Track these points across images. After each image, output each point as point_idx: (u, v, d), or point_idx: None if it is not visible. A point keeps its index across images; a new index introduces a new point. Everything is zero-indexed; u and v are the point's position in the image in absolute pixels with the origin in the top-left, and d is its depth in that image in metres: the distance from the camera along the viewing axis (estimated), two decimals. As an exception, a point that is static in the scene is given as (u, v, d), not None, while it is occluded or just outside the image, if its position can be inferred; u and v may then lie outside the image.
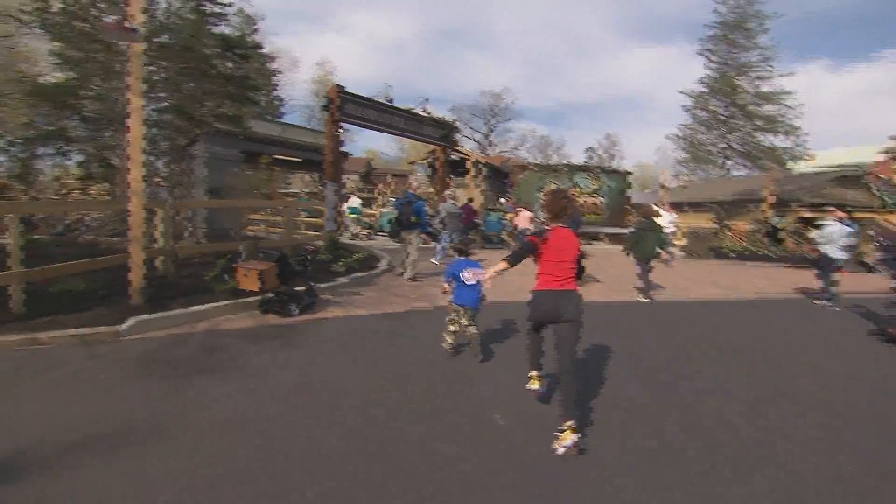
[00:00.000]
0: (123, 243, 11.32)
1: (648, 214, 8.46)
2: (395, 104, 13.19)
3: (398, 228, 8.20)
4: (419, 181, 8.46)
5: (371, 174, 51.68)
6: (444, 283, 4.71)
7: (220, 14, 22.29)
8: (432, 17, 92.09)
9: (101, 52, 15.27)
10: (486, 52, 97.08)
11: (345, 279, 7.68)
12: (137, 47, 5.56)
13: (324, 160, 12.04)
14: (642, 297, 7.94)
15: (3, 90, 18.74)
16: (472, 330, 4.57)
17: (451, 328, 4.59)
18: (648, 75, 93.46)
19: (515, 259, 3.35)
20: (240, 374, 3.98)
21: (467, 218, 14.24)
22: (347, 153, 21.33)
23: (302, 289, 6.31)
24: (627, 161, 62.38)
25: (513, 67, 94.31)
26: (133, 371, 3.97)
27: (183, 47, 16.65)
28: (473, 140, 58.76)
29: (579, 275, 3.40)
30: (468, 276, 4.59)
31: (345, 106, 11.80)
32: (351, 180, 46.63)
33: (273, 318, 5.69)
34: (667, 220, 13.52)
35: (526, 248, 3.41)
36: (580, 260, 3.38)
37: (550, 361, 3.58)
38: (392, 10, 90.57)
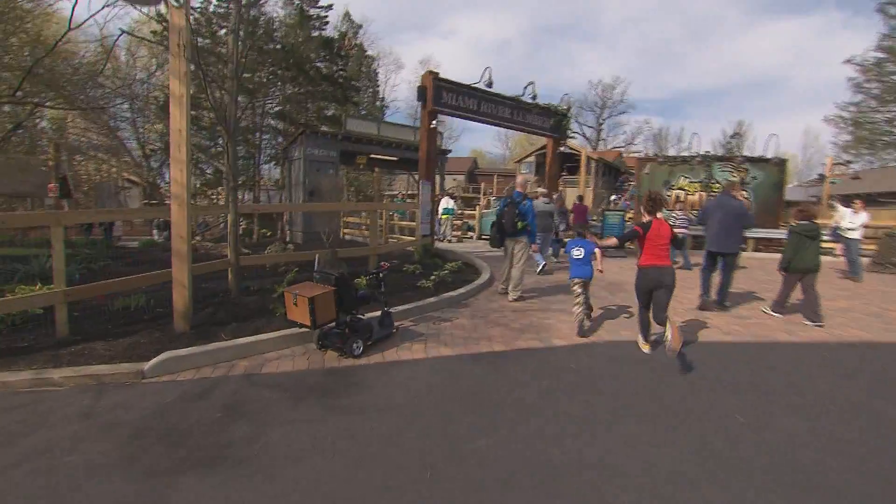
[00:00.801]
0: (220, 248, 11.11)
1: (809, 215, 6.46)
2: (497, 91, 11.55)
3: (499, 235, 6.54)
4: (527, 178, 6.54)
5: (475, 174, 50.76)
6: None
7: (322, 17, 22.59)
8: (537, 13, 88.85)
9: (213, 65, 15.59)
10: (594, 45, 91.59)
11: (433, 299, 6.20)
12: (179, 18, 4.56)
13: (420, 161, 10.79)
14: (772, 312, 6.41)
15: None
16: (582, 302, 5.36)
17: (577, 300, 5.40)
18: (781, 55, 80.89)
19: (622, 240, 5.25)
20: (255, 470, 2.61)
21: (578, 218, 12.14)
22: (448, 151, 20.16)
23: (375, 314, 4.96)
24: (761, 152, 53.88)
25: (624, 58, 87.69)
26: (115, 452, 2.79)
27: (286, 51, 16.66)
28: (583, 135, 55.20)
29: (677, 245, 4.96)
30: (576, 252, 5.55)
31: (440, 95, 10.42)
32: (454, 180, 46.06)
33: (332, 356, 4.37)
34: (856, 221, 10.24)
35: (631, 234, 4.87)
36: (674, 240, 4.78)
37: None
38: (495, 9, 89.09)
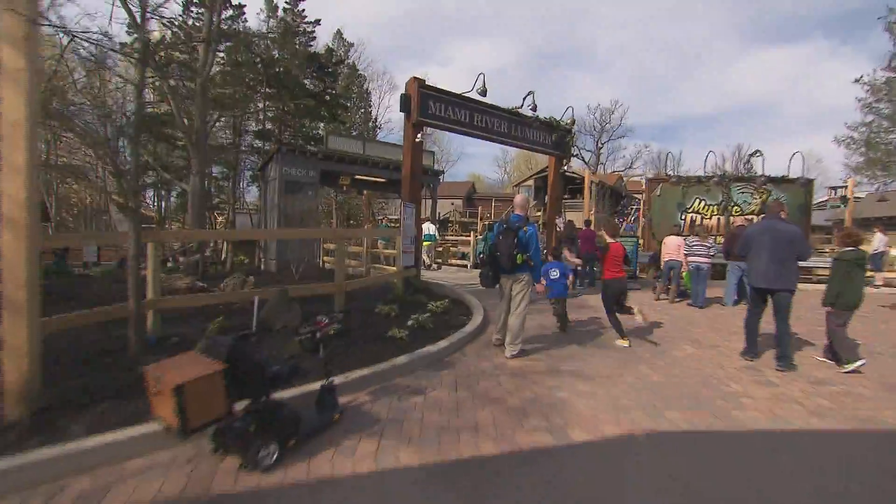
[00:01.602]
0: (174, 280, 9.58)
1: (856, 240, 5.27)
2: (492, 103, 10.23)
3: (493, 272, 5.01)
4: (527, 198, 4.97)
5: (473, 198, 49.57)
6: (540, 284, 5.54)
7: (309, 32, 21.65)
8: (533, 41, 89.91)
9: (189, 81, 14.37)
10: (590, 72, 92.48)
11: (404, 358, 4.62)
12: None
13: (403, 179, 9.37)
14: (849, 366, 4.96)
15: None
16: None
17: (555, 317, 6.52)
18: (772, 82, 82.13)
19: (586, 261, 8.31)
20: None
21: (586, 245, 10.65)
22: (440, 172, 18.81)
23: (313, 383, 3.40)
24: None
25: (618, 87, 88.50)
26: None
27: (266, 65, 15.46)
28: (582, 159, 54.32)
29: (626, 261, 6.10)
30: (553, 273, 6.29)
31: (427, 105, 9.07)
32: (451, 204, 44.82)
33: (231, 467, 2.80)
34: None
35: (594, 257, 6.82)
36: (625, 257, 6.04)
37: None
38: (492, 37, 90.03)
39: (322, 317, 3.38)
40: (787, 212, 5.98)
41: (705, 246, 8.92)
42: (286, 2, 19.45)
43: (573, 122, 11.49)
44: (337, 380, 3.90)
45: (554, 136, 11.76)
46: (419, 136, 9.02)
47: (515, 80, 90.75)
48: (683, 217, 14.07)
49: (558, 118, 11.69)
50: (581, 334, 6.35)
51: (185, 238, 10.54)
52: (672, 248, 9.36)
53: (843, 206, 18.50)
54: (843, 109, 74.49)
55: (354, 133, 22.98)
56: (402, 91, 9.12)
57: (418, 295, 7.96)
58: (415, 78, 9.01)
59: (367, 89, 33.68)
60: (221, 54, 15.46)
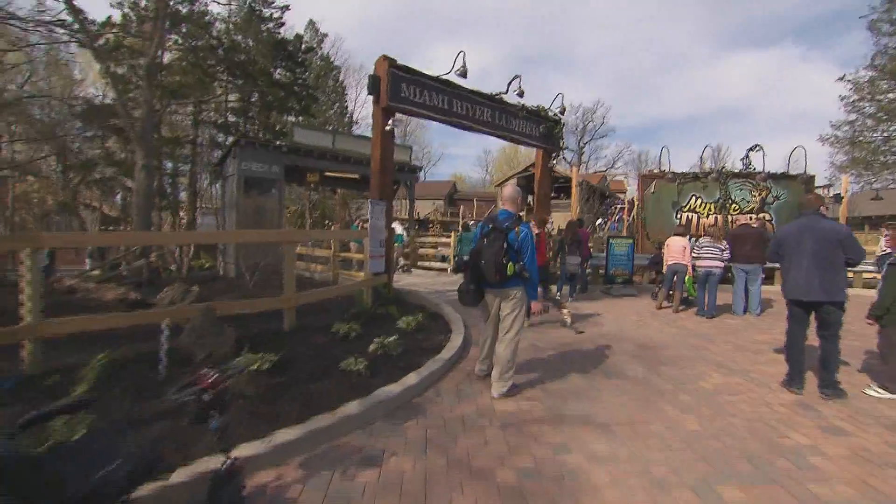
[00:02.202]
0: (104, 291, 8.22)
1: None
2: (474, 88, 9.11)
3: (474, 286, 3.85)
4: (517, 191, 3.75)
5: (455, 198, 48.45)
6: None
7: (276, 18, 20.21)
8: (515, 44, 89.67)
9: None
10: (572, 75, 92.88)
11: (355, 406, 3.42)
12: None
13: (372, 173, 8.18)
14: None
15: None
16: None
17: None
18: (747, 85, 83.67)
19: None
20: None
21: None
22: (418, 168, 17.58)
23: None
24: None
25: (600, 88, 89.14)
26: None
27: (226, 50, 14.08)
28: (564, 159, 53.77)
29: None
30: None
31: (399, 87, 7.90)
32: (433, 204, 43.64)
33: None
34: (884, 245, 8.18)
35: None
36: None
37: None
38: (474, 39, 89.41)
39: (209, 369, 2.17)
40: (827, 207, 4.98)
41: (718, 248, 7.91)
42: (252, -15, 18.06)
43: (564, 111, 10.41)
44: (254, 448, 2.71)
45: (542, 127, 10.70)
46: (390, 122, 7.84)
47: (497, 81, 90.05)
48: (679, 216, 13.16)
49: (546, 107, 10.62)
50: (582, 357, 5.25)
51: (81, 242, 9.16)
52: (676, 250, 8.35)
53: (837, 203, 17.85)
54: (815, 113, 76.07)
55: (330, 129, 21.47)
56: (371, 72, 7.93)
57: (388, 307, 6.77)
58: (385, 56, 7.83)
59: (342, 83, 32.22)
60: (174, 38, 14.03)
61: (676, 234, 8.64)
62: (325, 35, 29.38)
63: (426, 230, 28.28)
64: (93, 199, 19.27)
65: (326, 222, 25.75)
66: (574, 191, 16.48)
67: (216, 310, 4.63)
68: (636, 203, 33.00)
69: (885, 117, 27.74)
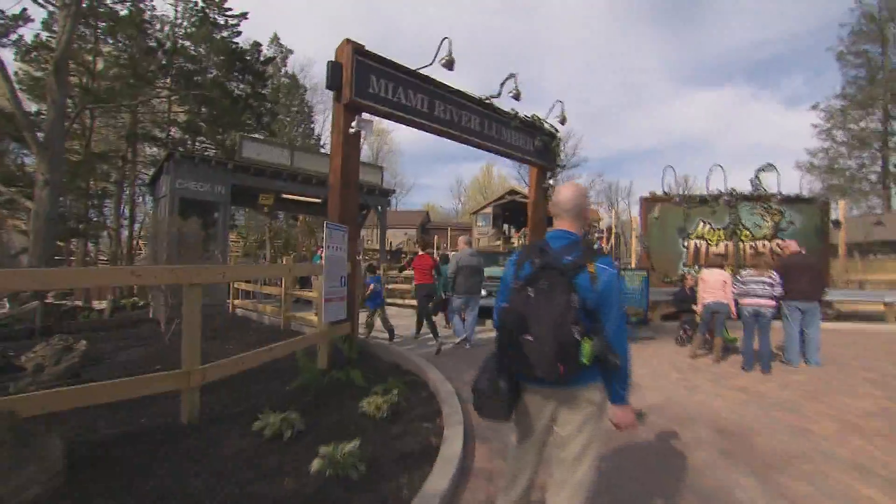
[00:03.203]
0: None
1: None
2: (459, 88, 7.47)
3: (504, 381, 1.96)
4: (582, 194, 1.80)
5: (428, 227, 46.77)
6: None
7: (232, 25, 18.41)
8: (477, 75, 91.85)
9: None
10: (537, 108, 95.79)
11: None
12: None
13: (330, 191, 6.33)
14: None
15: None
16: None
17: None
18: (704, 121, 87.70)
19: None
20: None
21: None
22: (390, 191, 15.72)
23: None
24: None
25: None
26: None
27: (168, 52, 12.15)
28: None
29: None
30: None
31: (367, 79, 6.17)
32: (405, 234, 41.77)
33: None
34: None
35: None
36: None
37: None
38: (443, 74, 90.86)
39: None
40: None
41: (766, 282, 6.28)
42: (204, -9, 16.23)
43: (564, 121, 8.85)
44: None
45: (537, 141, 9.12)
46: (355, 122, 6.04)
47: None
48: (686, 244, 11.72)
49: (543, 117, 9.08)
50: (648, 458, 3.42)
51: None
52: (715, 285, 6.71)
53: (836, 229, 16.81)
54: (769, 145, 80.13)
55: (287, 143, 19.36)
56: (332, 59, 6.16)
57: (349, 371, 4.79)
58: (348, 40, 6.10)
59: (309, 104, 30.36)
60: (105, 38, 12.05)
61: (712, 265, 7.04)
62: (290, 52, 27.57)
63: (398, 261, 26.31)
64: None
65: (291, 253, 23.48)
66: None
67: (15, 415, 2.61)
68: (613, 231, 31.98)
69: (857, 145, 27.86)
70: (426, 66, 6.65)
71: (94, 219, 12.19)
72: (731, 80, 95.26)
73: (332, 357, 5.38)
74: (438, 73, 6.89)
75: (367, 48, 6.18)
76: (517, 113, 8.52)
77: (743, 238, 11.55)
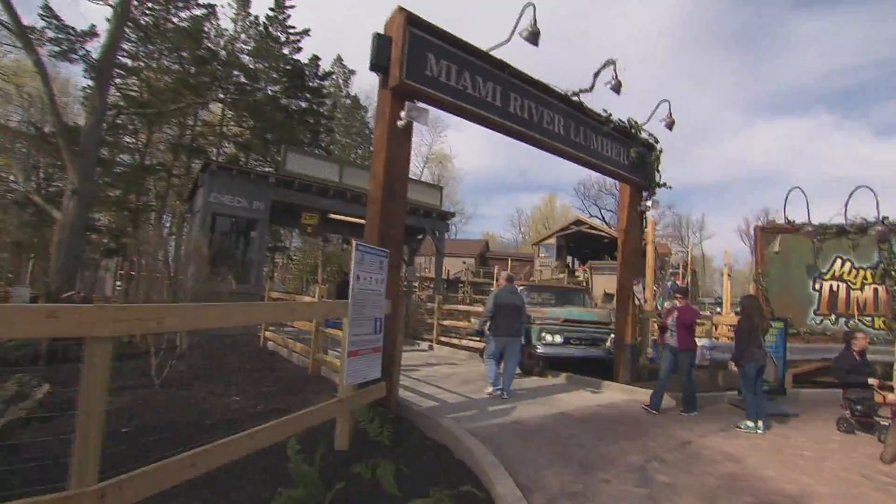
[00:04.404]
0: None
1: None
2: (539, 79, 5.85)
3: None
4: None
5: (487, 257, 45.04)
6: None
7: (293, 41, 17.97)
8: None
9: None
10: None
11: None
12: None
13: (369, 201, 4.85)
14: None
15: None
16: None
17: None
18: (779, 153, 79.88)
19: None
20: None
21: (683, 330, 5.84)
22: (450, 214, 14.14)
23: None
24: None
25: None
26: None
27: (223, 62, 11.53)
28: (603, 220, 50.58)
29: None
30: None
31: (422, 58, 4.71)
32: (463, 263, 40.21)
33: None
34: None
35: None
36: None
37: None
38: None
39: None
40: None
41: None
42: (270, 9, 15.96)
43: (672, 126, 6.95)
44: None
45: (632, 152, 7.28)
46: (404, 113, 4.54)
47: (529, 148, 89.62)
48: (818, 286, 9.23)
49: (642, 123, 7.25)
50: None
51: None
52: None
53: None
54: (849, 178, 72.61)
55: (337, 156, 18.40)
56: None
57: (378, 466, 3.11)
58: (401, 9, 4.67)
59: (370, 126, 29.94)
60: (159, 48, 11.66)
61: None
62: (353, 72, 27.54)
63: (456, 291, 24.68)
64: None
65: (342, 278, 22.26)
66: (649, 256, 12.67)
67: None
68: (689, 267, 28.65)
69: None
70: (501, 45, 5.10)
71: (130, 237, 11.61)
72: (810, 109, 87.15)
73: (355, 436, 3.74)
74: (513, 59, 5.35)
75: (421, 18, 4.73)
76: (610, 115, 6.77)
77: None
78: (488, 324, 6.49)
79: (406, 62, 4.56)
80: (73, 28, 11.93)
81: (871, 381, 5.41)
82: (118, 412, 4.36)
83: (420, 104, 4.70)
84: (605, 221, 51.06)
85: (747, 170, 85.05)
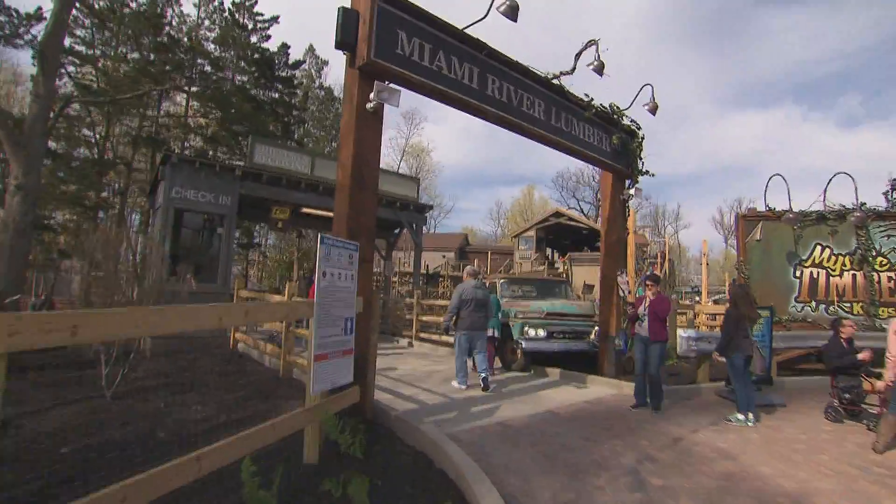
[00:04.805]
0: None
1: None
2: (517, 61, 5.55)
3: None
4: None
5: (466, 251, 44.78)
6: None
7: (261, 29, 17.26)
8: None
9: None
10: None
11: None
12: None
13: (337, 190, 4.50)
14: None
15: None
16: None
17: None
18: (750, 143, 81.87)
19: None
20: None
21: (655, 320, 5.64)
22: (427, 207, 13.79)
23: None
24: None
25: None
26: None
27: (183, 47, 10.90)
28: (581, 211, 50.85)
29: None
30: None
31: (392, 35, 4.35)
32: (443, 257, 39.92)
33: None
34: None
35: None
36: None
37: None
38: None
39: None
40: None
41: None
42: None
43: (655, 110, 6.75)
44: None
45: (614, 138, 7.05)
46: (374, 94, 4.18)
47: (506, 141, 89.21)
48: (799, 273, 9.22)
49: (624, 108, 7.02)
50: None
51: None
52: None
53: None
54: (819, 170, 73.89)
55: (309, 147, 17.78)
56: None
57: (349, 482, 2.78)
58: (369, -20, 4.29)
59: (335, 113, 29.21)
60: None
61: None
62: (325, 63, 26.60)
63: (436, 285, 24.37)
64: None
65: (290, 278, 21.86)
66: (631, 248, 12.59)
67: None
68: (667, 256, 28.97)
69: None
70: (478, 22, 4.77)
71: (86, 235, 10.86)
72: (779, 101, 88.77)
73: (326, 447, 3.41)
74: (490, 38, 5.03)
75: None
76: (592, 100, 6.52)
77: (878, 267, 8.94)
78: (454, 319, 6.37)
79: (375, 39, 4.19)
80: (16, 10, 11.16)
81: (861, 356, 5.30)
82: (59, 430, 3.92)
83: (391, 85, 4.34)
84: (584, 213, 51.36)
85: (720, 161, 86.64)
